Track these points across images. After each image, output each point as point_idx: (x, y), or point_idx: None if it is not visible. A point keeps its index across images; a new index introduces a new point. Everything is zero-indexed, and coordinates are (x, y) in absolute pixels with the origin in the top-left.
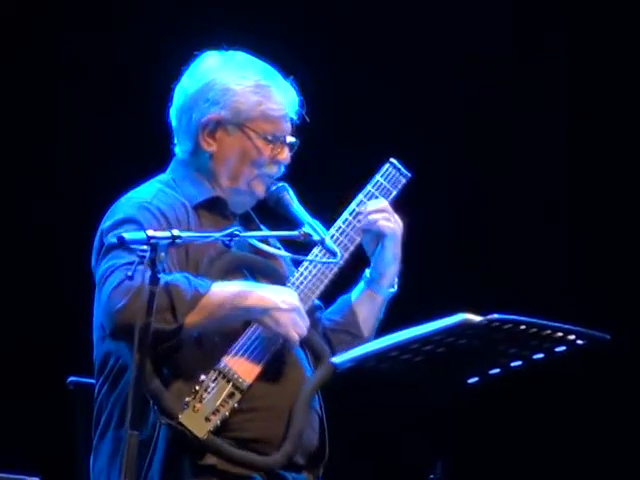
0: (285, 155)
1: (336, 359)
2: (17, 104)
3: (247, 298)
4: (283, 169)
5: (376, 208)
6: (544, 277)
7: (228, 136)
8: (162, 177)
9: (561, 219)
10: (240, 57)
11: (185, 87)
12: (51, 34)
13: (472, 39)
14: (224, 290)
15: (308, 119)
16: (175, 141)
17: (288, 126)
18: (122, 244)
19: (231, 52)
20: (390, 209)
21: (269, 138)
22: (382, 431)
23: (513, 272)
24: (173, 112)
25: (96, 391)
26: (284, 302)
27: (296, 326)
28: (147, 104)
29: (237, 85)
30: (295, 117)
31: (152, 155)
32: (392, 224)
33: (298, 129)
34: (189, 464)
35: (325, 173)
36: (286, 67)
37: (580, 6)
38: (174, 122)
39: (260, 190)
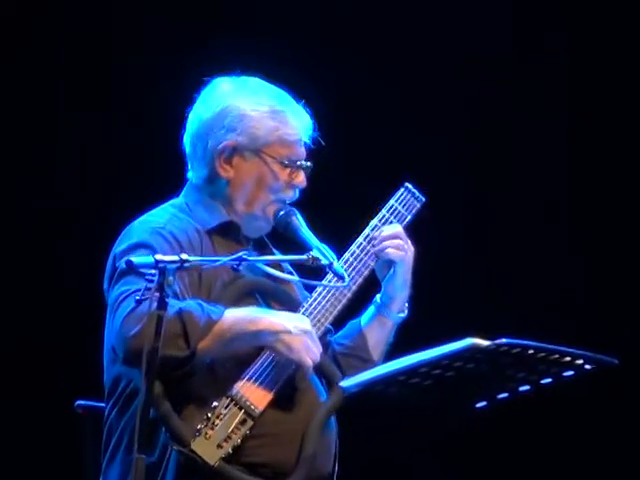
0: (301, 179)
1: (344, 383)
2: (17, 104)
3: (259, 324)
4: (298, 193)
5: (389, 234)
6: (553, 301)
7: (245, 162)
8: (175, 201)
9: (570, 247)
10: (253, 82)
11: (199, 114)
12: (51, 34)
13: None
14: (237, 316)
15: (323, 142)
16: (189, 167)
17: (303, 150)
18: (131, 268)
19: (243, 77)
20: (404, 235)
21: (286, 162)
22: (391, 455)
23: (520, 296)
24: (187, 139)
25: (106, 414)
26: (296, 327)
27: (309, 352)
28: (147, 103)
29: (253, 111)
30: (309, 141)
31: (152, 153)
32: (402, 251)
33: (313, 152)
34: None
35: (340, 197)
36: (297, 90)
37: (580, 6)
38: (188, 149)
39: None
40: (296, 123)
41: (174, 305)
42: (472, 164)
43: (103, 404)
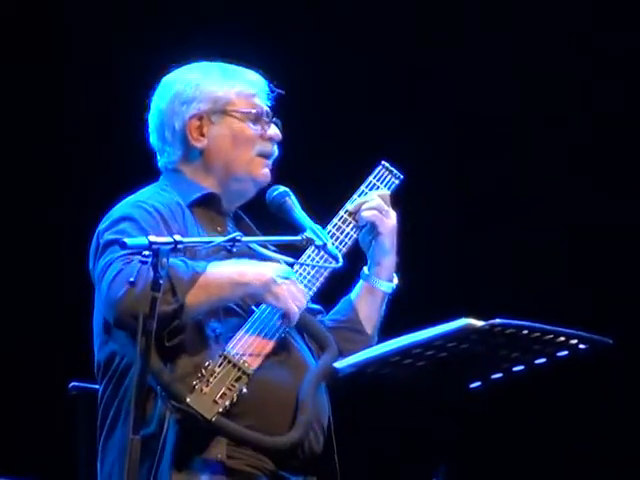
0: (275, 131)
1: (338, 364)
2: (17, 104)
3: (244, 274)
4: (276, 148)
5: (367, 201)
6: (545, 280)
7: (214, 125)
8: (156, 184)
9: (562, 222)
10: (195, 63)
11: (156, 107)
12: (51, 34)
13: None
14: (221, 268)
15: (283, 91)
16: (160, 157)
17: (264, 104)
18: (124, 249)
19: (184, 66)
20: (386, 200)
21: (252, 112)
22: (385, 435)
23: (514, 275)
24: (153, 134)
25: (100, 393)
26: (280, 277)
27: (295, 299)
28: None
29: (205, 78)
30: (267, 99)
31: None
32: (380, 213)
33: (282, 115)
34: (199, 459)
35: (319, 176)
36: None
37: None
38: (157, 142)
39: (260, 173)
40: (250, 79)
41: None
42: (457, 147)
43: (97, 386)
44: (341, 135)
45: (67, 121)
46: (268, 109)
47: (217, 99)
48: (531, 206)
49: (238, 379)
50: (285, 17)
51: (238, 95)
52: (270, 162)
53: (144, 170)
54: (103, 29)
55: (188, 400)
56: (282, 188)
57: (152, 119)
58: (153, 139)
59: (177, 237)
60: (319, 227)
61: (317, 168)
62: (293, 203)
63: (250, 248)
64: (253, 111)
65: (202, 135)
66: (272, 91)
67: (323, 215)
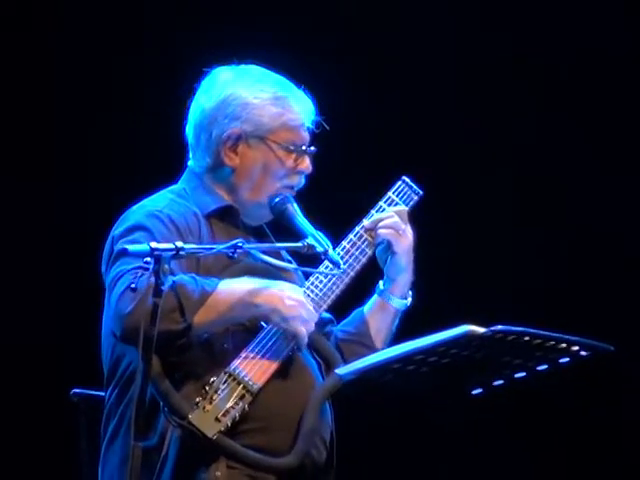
0: (306, 164)
1: (340, 370)
2: (17, 104)
3: (254, 295)
4: (304, 180)
5: (384, 218)
6: (549, 288)
7: (250, 149)
8: (174, 187)
9: (562, 228)
10: (254, 70)
11: (201, 104)
12: (50, 34)
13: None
14: (231, 288)
15: (327, 127)
16: (191, 156)
17: (307, 135)
18: (126, 256)
19: (243, 66)
20: (403, 217)
21: (291, 148)
22: (386, 441)
23: (516, 282)
24: (190, 129)
25: (106, 398)
26: (289, 298)
27: (303, 321)
28: (146, 95)
29: (256, 98)
30: (311, 126)
31: (149, 144)
32: (396, 231)
33: (316, 140)
34: (198, 476)
35: (339, 190)
36: (299, 80)
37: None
38: (191, 139)
39: None
40: (299, 108)
41: (168, 280)
42: (468, 158)
43: (99, 392)
44: (361, 146)
45: (65, 118)
46: (307, 139)
47: (261, 125)
48: (532, 211)
49: (242, 397)
50: (310, 27)
51: (282, 126)
52: (294, 192)
53: (143, 168)
54: (101, 23)
55: (190, 417)
56: (283, 194)
57: (193, 112)
58: (189, 133)
59: (179, 244)
60: (321, 233)
61: (335, 180)
62: (295, 209)
63: (255, 257)
64: (292, 147)
65: (235, 153)
66: (317, 123)
67: (339, 230)
